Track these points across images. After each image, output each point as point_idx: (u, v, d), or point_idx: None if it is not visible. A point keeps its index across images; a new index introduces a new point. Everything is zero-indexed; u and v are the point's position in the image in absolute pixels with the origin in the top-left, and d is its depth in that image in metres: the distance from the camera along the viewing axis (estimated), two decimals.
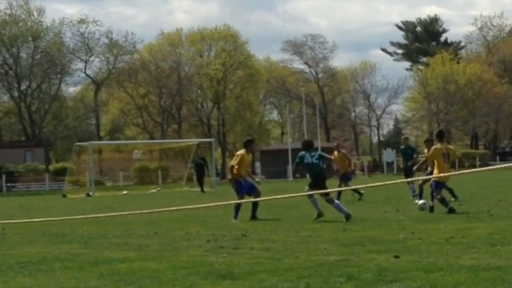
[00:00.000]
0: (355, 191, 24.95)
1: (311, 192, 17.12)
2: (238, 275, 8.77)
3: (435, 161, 18.51)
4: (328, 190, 17.60)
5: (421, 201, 19.68)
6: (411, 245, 10.98)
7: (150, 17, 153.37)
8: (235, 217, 18.19)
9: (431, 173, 19.59)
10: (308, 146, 18.68)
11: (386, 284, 7.77)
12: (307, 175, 18.38)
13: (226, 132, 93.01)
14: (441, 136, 18.97)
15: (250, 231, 14.51)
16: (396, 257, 9.66)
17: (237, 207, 18.32)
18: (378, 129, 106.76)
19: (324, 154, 19.16)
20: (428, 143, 21.39)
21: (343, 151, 27.14)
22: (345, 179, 25.75)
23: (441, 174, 17.15)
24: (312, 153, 18.29)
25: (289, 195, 19.11)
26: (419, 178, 20.38)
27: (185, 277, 8.81)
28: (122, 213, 19.04)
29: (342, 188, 23.85)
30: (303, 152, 18.36)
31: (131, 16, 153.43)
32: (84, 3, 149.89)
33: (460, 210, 18.01)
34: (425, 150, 21.02)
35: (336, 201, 18.25)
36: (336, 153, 26.45)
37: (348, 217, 16.69)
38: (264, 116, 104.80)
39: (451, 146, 19.87)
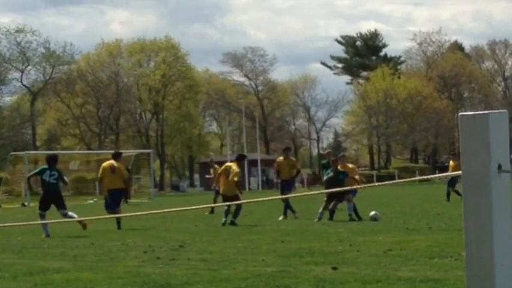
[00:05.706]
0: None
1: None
2: (175, 285, 8.66)
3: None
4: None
5: (372, 213, 19.91)
6: (349, 257, 10.96)
7: (86, 27, 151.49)
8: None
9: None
10: (51, 162, 18.57)
11: None
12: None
13: (165, 143, 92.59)
14: (239, 159, 21.36)
15: (188, 242, 14.39)
16: (334, 268, 9.62)
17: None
18: (317, 142, 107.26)
19: (63, 177, 18.97)
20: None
21: (216, 166, 28.73)
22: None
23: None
24: (53, 172, 18.27)
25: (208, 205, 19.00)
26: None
27: (121, 287, 8.67)
28: (57, 220, 18.73)
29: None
30: (45, 167, 18.44)
31: (67, 26, 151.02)
32: (19, 12, 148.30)
33: (399, 223, 18.14)
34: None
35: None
36: (211, 170, 29.70)
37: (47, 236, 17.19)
38: (204, 128, 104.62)
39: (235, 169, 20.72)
